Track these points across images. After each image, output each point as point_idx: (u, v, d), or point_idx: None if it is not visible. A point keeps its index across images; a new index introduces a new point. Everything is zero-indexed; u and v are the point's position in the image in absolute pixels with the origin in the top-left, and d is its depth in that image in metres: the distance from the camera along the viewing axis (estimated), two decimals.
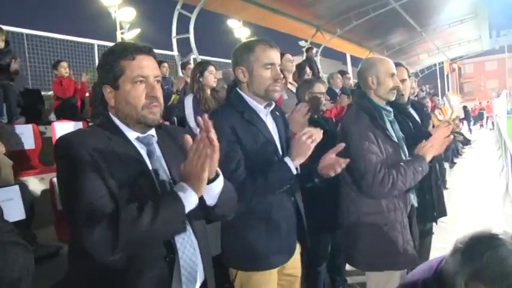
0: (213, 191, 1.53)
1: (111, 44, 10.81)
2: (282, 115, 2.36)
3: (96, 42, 9.10)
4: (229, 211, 1.73)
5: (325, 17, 15.18)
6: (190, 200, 1.41)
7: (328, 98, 4.24)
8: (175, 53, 11.20)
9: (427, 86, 21.26)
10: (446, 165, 9.63)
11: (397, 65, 2.96)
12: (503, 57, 60.37)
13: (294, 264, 2.29)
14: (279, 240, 2.13)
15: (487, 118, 28.81)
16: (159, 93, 1.58)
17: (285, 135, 2.27)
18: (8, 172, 3.69)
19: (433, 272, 1.56)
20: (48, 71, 8.43)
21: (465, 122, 21.11)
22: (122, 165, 1.48)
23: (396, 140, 2.56)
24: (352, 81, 8.45)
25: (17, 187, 3.22)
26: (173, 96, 5.84)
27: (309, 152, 2.01)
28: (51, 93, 7.89)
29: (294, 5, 13.08)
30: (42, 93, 7.17)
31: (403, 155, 2.56)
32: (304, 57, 11.21)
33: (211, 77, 4.37)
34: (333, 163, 2.12)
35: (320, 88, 3.45)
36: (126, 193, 1.43)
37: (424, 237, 3.22)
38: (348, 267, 4.36)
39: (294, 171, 2.03)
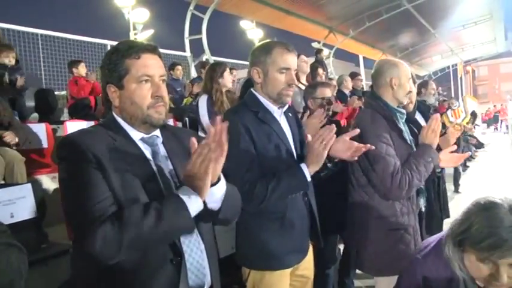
0: (215, 195, 1.50)
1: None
2: (294, 115, 2.37)
3: (109, 42, 9.17)
4: (232, 216, 1.69)
5: (338, 18, 15.22)
6: (194, 204, 1.38)
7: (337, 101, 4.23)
8: (187, 53, 11.23)
9: (440, 88, 21.04)
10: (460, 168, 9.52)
11: None
12: None
13: (307, 265, 2.29)
14: (292, 240, 2.14)
15: (501, 121, 28.49)
16: (165, 93, 1.56)
17: (298, 136, 2.27)
18: (21, 168, 3.73)
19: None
20: (61, 71, 8.55)
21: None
22: (127, 166, 1.45)
23: (409, 142, 2.54)
24: (364, 83, 8.41)
25: (29, 185, 3.25)
26: (185, 100, 5.86)
27: (323, 158, 2.01)
28: (64, 92, 7.99)
29: (307, 6, 13.12)
30: (55, 93, 7.25)
31: None
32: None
33: (230, 78, 4.42)
34: (347, 147, 2.14)
35: (323, 92, 3.44)
36: (130, 195, 1.41)
37: None
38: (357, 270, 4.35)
39: (309, 179, 2.03)
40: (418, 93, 4.82)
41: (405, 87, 2.57)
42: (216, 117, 1.39)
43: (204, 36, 11.12)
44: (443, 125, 4.94)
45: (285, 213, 2.11)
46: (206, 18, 11.07)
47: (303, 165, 2.03)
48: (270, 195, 2.00)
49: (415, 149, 2.53)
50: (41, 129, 4.63)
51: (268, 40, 2.23)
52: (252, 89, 2.24)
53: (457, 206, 3.46)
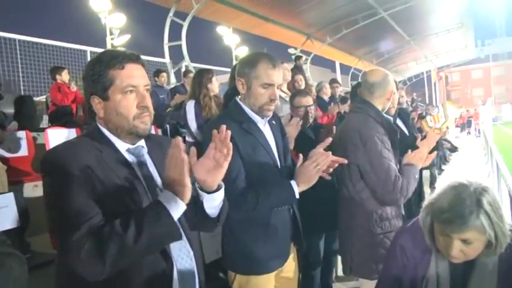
0: (215, 201, 1.53)
1: (100, 50, 10.83)
2: (278, 123, 2.40)
3: (88, 48, 9.10)
4: (222, 222, 1.70)
5: (315, 26, 15.42)
6: (176, 208, 1.35)
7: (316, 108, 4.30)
8: (167, 60, 11.20)
9: (414, 94, 21.53)
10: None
11: None
12: (488, 66, 61.51)
13: (290, 267, 2.34)
14: (275, 246, 2.19)
15: (474, 125, 29.19)
16: (150, 103, 1.54)
17: (282, 143, 2.31)
18: (2, 176, 3.67)
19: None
20: (40, 77, 8.42)
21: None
22: (115, 177, 1.43)
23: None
24: (342, 90, 8.54)
25: (11, 194, 3.19)
26: (169, 109, 5.87)
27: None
28: (42, 98, 7.86)
29: (285, 13, 13.25)
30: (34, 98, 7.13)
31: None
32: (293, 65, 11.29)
33: (217, 84, 4.48)
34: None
35: (301, 102, 3.50)
36: (120, 206, 1.39)
37: None
38: (339, 272, 4.44)
39: (297, 196, 2.07)
40: None
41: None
42: (222, 126, 1.44)
43: (183, 43, 11.12)
44: (420, 130, 5.11)
45: (269, 221, 2.15)
46: (186, 25, 11.06)
47: (293, 183, 2.06)
48: (259, 205, 2.04)
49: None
50: (21, 137, 4.56)
51: (255, 52, 2.24)
52: (237, 98, 2.26)
53: None
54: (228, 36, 17.82)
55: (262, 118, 2.21)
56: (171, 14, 10.91)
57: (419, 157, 2.59)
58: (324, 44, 17.11)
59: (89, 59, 9.39)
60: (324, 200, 2.87)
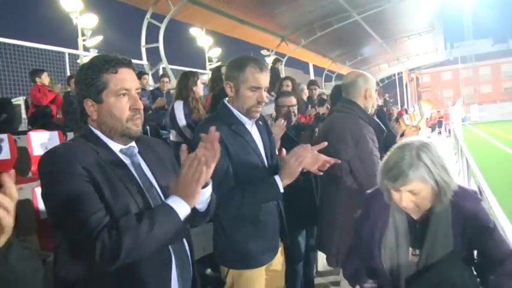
0: (204, 196, 1.64)
1: (80, 52, 10.74)
2: (264, 123, 2.51)
3: (67, 50, 9.02)
4: (210, 215, 1.82)
5: (290, 28, 15.54)
6: (182, 209, 1.46)
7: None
8: (144, 62, 11.14)
9: (386, 94, 22.00)
10: None
11: None
12: (457, 67, 63.19)
13: (278, 261, 2.47)
14: (266, 240, 2.31)
15: (445, 126, 29.94)
16: (141, 105, 1.62)
17: (268, 143, 2.42)
18: None
19: None
20: (16, 79, 8.31)
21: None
22: (114, 176, 1.50)
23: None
24: (318, 91, 8.75)
25: None
26: (149, 112, 5.92)
27: (297, 173, 2.16)
28: (19, 101, 7.78)
29: (260, 16, 13.34)
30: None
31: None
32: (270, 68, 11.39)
33: (202, 86, 4.60)
34: (315, 160, 2.23)
35: (284, 101, 3.65)
36: (120, 204, 1.46)
37: None
38: (320, 267, 4.60)
39: (282, 190, 2.17)
40: None
41: (373, 98, 2.88)
42: (211, 128, 1.55)
43: (161, 45, 11.09)
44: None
45: (258, 217, 2.27)
46: (163, 26, 11.03)
47: (277, 178, 2.15)
48: (246, 202, 2.15)
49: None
50: (3, 140, 4.54)
51: (243, 56, 2.32)
52: (225, 101, 2.36)
53: None
54: (201, 37, 17.85)
55: (250, 119, 2.31)
56: (148, 15, 10.85)
57: None
58: (298, 46, 17.29)
59: (67, 60, 9.30)
60: (303, 197, 3.01)
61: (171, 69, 11.15)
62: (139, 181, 1.59)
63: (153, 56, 11.45)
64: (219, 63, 17.83)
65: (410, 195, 1.71)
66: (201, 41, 18.15)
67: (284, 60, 17.02)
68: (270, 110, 3.94)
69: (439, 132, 29.91)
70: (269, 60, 12.67)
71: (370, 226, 1.94)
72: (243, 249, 2.26)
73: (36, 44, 8.93)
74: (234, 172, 2.19)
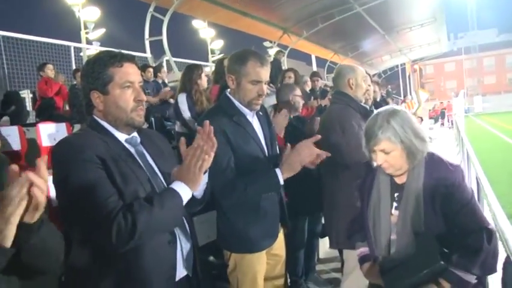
0: (200, 185, 1.74)
1: (83, 45, 10.84)
2: (265, 114, 2.61)
3: (72, 44, 9.17)
4: (205, 201, 1.94)
5: (292, 20, 15.54)
6: (185, 194, 1.60)
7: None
8: (148, 55, 11.24)
9: (389, 86, 21.99)
10: None
11: None
12: (460, 58, 62.85)
13: (279, 245, 2.58)
14: (266, 226, 2.43)
15: (447, 117, 29.95)
16: (144, 97, 1.74)
17: (269, 134, 2.52)
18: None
19: None
20: (24, 72, 8.49)
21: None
22: (122, 165, 1.61)
23: None
24: (321, 83, 8.81)
25: None
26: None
27: (298, 170, 2.24)
28: (23, 93, 7.92)
29: (262, 8, 13.36)
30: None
31: None
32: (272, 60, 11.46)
33: (206, 79, 4.74)
34: (310, 154, 2.25)
35: (289, 93, 3.78)
36: (130, 189, 1.57)
37: None
38: (322, 254, 4.73)
39: (282, 182, 2.26)
40: None
41: (362, 87, 3.04)
42: (205, 121, 1.67)
43: (164, 38, 11.16)
44: None
45: (259, 204, 2.38)
46: (166, 20, 11.10)
47: (278, 171, 2.24)
48: (247, 192, 2.25)
49: None
50: (13, 132, 4.66)
51: (244, 50, 2.40)
52: (227, 93, 2.45)
53: None
54: (204, 29, 17.86)
55: (251, 111, 2.41)
56: (151, 9, 10.93)
57: None
58: (300, 38, 17.28)
59: (72, 54, 9.47)
60: (308, 185, 3.13)
61: (175, 61, 11.24)
62: (144, 168, 1.71)
63: (156, 48, 11.57)
64: (221, 56, 17.89)
65: (383, 155, 1.95)
66: (203, 33, 18.15)
67: (286, 52, 17.05)
68: (272, 101, 4.05)
69: (442, 124, 29.95)
70: (272, 52, 12.71)
71: (363, 190, 2.17)
72: (244, 235, 2.38)
73: (42, 37, 9.08)
74: (235, 162, 2.28)
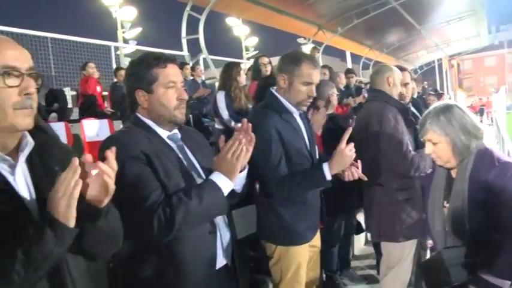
0: (241, 179, 1.85)
1: (119, 44, 11.19)
2: (304, 112, 2.66)
3: (112, 44, 9.51)
4: (243, 196, 2.00)
5: (327, 16, 15.49)
6: (226, 185, 1.68)
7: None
8: (185, 53, 11.42)
9: (425, 82, 21.50)
10: None
11: (402, 69, 3.51)
12: (502, 52, 60.20)
13: (317, 238, 2.69)
14: (310, 219, 2.53)
15: (487, 114, 29.07)
16: (186, 96, 1.82)
17: (310, 131, 2.61)
18: None
19: None
20: (68, 71, 8.87)
21: None
22: (165, 160, 1.70)
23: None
24: (356, 79, 8.77)
25: None
26: (190, 101, 6.21)
27: (348, 164, 2.29)
28: (68, 90, 8.30)
29: (297, 5, 13.37)
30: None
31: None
32: None
33: (244, 76, 4.87)
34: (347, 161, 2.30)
35: (324, 90, 3.76)
36: (172, 184, 1.66)
37: None
38: (356, 251, 4.76)
39: (329, 178, 2.30)
40: None
41: (398, 87, 3.12)
42: (243, 120, 1.76)
43: (201, 36, 11.32)
44: None
45: (306, 198, 2.48)
46: (203, 18, 11.25)
47: (326, 167, 2.28)
48: (297, 187, 2.35)
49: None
50: (60, 128, 4.92)
51: (298, 52, 2.50)
52: (272, 90, 2.52)
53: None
54: (238, 27, 17.99)
55: (298, 110, 2.50)
56: (188, 8, 11.10)
57: None
58: (335, 34, 17.18)
59: (113, 53, 9.80)
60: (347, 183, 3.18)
61: (211, 59, 11.40)
62: (185, 163, 1.81)
63: (191, 46, 11.74)
64: (256, 53, 17.91)
65: (431, 145, 2.06)
66: (237, 31, 18.29)
67: (321, 48, 16.98)
68: None
69: (481, 121, 29.03)
70: (306, 49, 12.72)
71: (426, 182, 2.31)
72: (291, 228, 2.47)
73: (83, 38, 9.48)
74: (287, 158, 2.38)
